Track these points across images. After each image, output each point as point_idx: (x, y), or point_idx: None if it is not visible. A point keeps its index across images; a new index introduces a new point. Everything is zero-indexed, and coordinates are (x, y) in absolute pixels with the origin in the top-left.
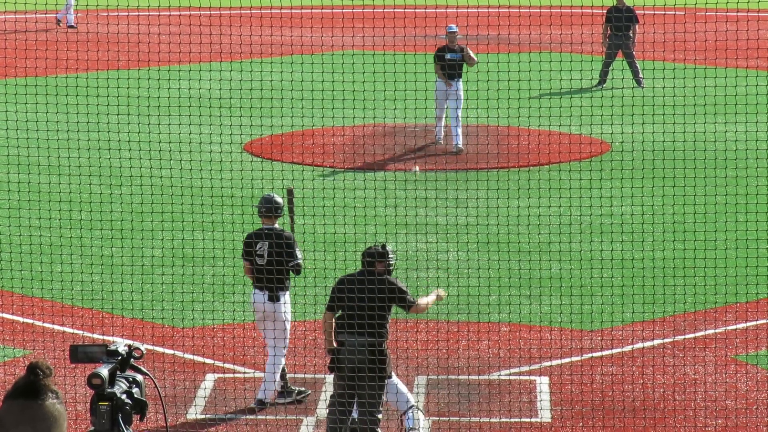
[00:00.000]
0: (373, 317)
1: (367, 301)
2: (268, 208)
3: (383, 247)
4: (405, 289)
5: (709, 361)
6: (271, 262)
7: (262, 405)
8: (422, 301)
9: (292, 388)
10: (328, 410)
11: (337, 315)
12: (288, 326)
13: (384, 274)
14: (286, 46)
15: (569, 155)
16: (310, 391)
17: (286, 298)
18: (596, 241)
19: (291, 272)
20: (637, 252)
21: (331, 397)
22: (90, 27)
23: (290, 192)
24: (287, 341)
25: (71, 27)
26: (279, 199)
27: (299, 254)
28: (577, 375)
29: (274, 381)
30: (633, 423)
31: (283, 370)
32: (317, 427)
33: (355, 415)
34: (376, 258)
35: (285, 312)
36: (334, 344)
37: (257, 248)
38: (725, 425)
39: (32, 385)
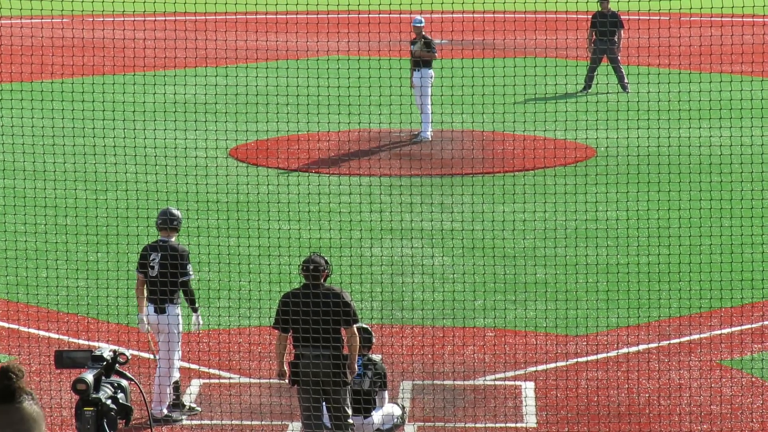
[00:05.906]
0: (328, 331)
1: (321, 315)
2: (164, 220)
3: (320, 256)
4: (351, 304)
5: (695, 366)
6: (163, 274)
7: (158, 420)
8: (355, 340)
9: (184, 403)
10: (301, 423)
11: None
12: (179, 339)
13: (326, 286)
14: (272, 51)
15: (554, 160)
16: (200, 409)
17: (176, 311)
18: (581, 246)
19: (181, 287)
20: (622, 257)
21: (300, 409)
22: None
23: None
24: (179, 353)
25: None
26: (176, 212)
27: (190, 270)
28: (562, 380)
29: (168, 393)
30: (618, 428)
31: (176, 382)
32: None
33: (327, 423)
34: (320, 270)
35: (174, 324)
36: (285, 368)
37: (150, 260)
38: (710, 430)
39: (7, 389)
